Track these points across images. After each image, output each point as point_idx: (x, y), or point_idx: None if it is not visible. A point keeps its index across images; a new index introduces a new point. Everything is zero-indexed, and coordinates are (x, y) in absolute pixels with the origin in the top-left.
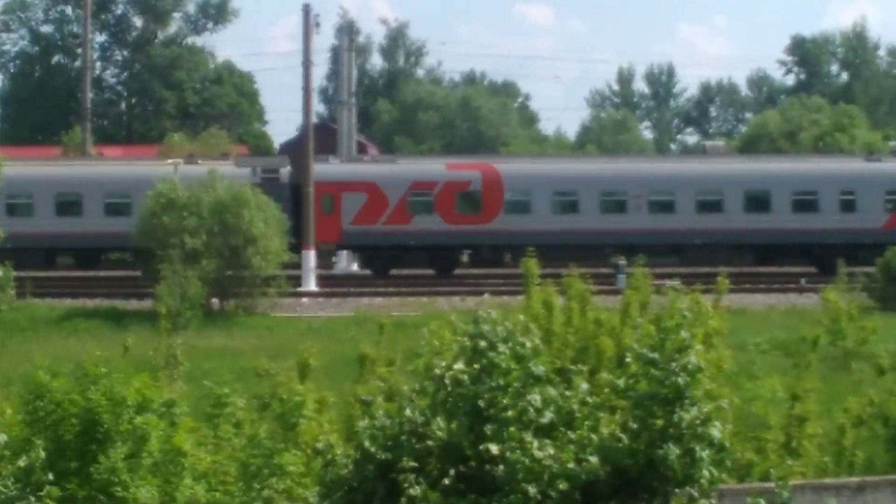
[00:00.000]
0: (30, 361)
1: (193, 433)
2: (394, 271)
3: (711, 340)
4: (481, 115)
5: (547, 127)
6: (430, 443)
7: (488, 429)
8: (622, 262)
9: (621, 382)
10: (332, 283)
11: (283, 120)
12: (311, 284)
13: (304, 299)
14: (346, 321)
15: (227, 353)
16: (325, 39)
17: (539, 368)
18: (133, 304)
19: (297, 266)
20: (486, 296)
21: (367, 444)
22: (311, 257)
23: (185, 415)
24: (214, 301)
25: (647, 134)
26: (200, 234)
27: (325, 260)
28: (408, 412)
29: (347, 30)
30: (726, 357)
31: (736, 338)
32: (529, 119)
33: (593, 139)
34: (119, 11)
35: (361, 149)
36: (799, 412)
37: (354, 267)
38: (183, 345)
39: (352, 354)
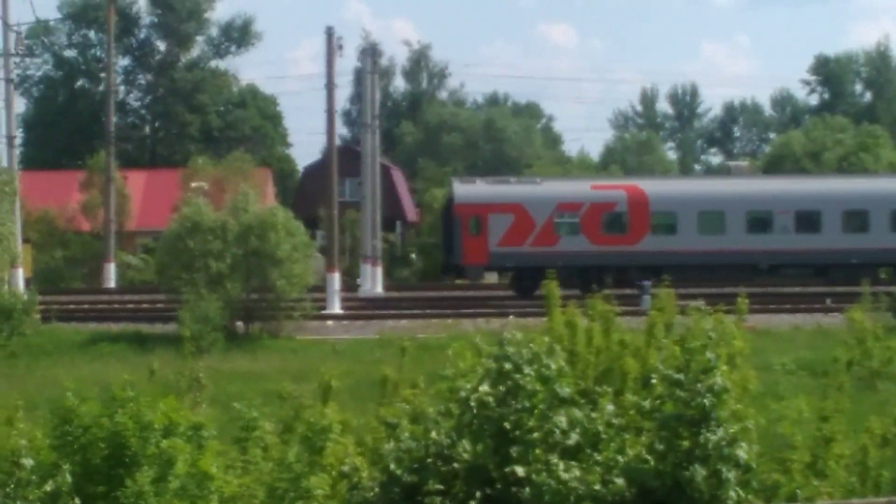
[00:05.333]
0: (55, 385)
1: (220, 456)
2: (414, 293)
3: (736, 361)
4: (505, 137)
5: (571, 148)
6: (455, 465)
7: (514, 451)
8: (647, 282)
9: (647, 404)
10: (357, 306)
11: (306, 143)
12: (336, 307)
13: (329, 322)
14: (370, 344)
15: (251, 376)
16: (347, 62)
17: (564, 390)
18: (158, 328)
19: (322, 289)
20: (510, 318)
21: (392, 466)
22: (335, 280)
23: (212, 438)
24: (239, 324)
25: (671, 154)
26: (225, 257)
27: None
28: (433, 434)
29: (370, 52)
30: (751, 377)
31: (761, 358)
32: (553, 140)
33: (617, 160)
34: (142, 35)
35: (385, 171)
36: (826, 432)
37: (379, 289)
38: (207, 368)
39: (376, 377)
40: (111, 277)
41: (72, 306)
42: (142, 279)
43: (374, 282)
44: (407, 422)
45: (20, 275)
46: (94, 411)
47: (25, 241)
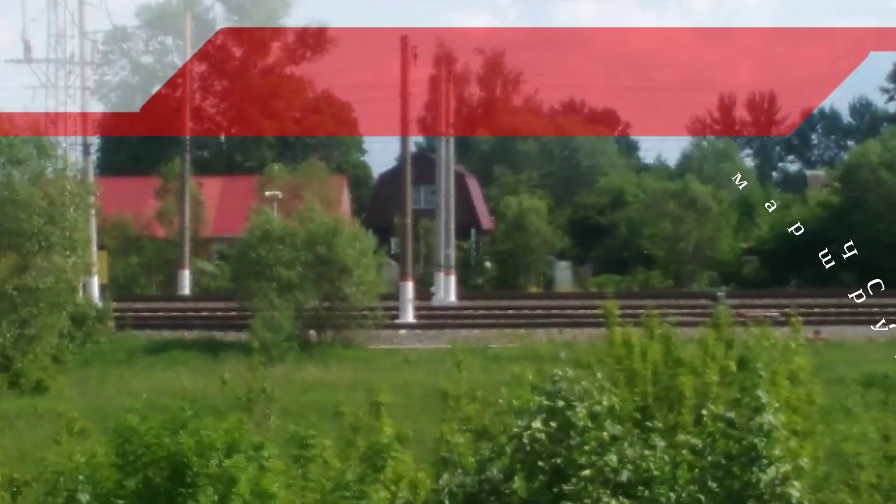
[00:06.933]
0: (128, 394)
1: (283, 475)
2: (487, 302)
3: (799, 377)
4: (578, 145)
5: (646, 156)
6: (509, 501)
7: (566, 488)
8: (720, 293)
9: (699, 442)
10: (430, 315)
11: (381, 150)
12: (409, 316)
13: (402, 331)
14: (443, 353)
15: (322, 385)
16: (422, 70)
17: (616, 428)
18: (231, 336)
19: (395, 297)
20: (559, 330)
21: (447, 502)
22: (408, 289)
23: (276, 456)
24: (312, 333)
25: (749, 162)
26: (296, 266)
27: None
28: (487, 473)
29: (445, 59)
30: (817, 392)
31: (832, 371)
32: (628, 147)
33: (694, 167)
34: (218, 41)
35: (460, 178)
36: (888, 452)
37: (452, 298)
38: (279, 377)
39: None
40: (186, 284)
41: (146, 313)
42: (217, 286)
43: (447, 290)
44: (467, 439)
45: (95, 282)
46: (155, 430)
47: (101, 247)
